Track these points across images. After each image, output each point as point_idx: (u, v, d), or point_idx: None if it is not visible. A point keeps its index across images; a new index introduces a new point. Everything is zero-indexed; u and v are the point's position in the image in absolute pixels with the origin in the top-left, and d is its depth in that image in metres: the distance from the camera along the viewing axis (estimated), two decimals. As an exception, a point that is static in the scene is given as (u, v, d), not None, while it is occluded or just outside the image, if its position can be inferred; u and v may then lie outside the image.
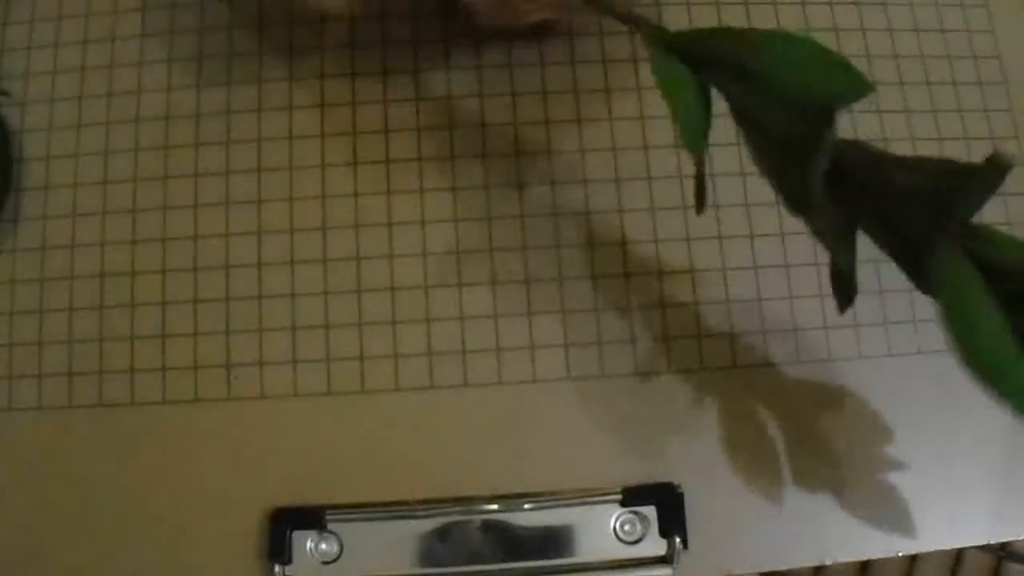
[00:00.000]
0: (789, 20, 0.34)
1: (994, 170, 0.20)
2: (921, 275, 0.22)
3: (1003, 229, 0.21)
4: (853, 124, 0.32)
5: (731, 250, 0.31)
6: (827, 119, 0.21)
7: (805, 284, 0.31)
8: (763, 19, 0.34)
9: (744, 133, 0.24)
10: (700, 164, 0.24)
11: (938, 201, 0.21)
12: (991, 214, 0.22)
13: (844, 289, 0.24)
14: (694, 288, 0.31)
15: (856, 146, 0.23)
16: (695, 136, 0.24)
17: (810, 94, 0.22)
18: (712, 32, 0.25)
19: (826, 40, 0.33)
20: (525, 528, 0.28)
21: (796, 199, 0.23)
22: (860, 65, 0.33)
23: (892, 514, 0.29)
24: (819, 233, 0.24)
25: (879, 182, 0.22)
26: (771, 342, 0.30)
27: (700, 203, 0.24)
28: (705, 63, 0.24)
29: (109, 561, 0.28)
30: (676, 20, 0.33)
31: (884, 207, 0.22)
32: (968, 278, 0.21)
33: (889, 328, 0.31)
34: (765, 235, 0.31)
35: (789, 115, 0.22)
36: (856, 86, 0.23)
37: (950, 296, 0.21)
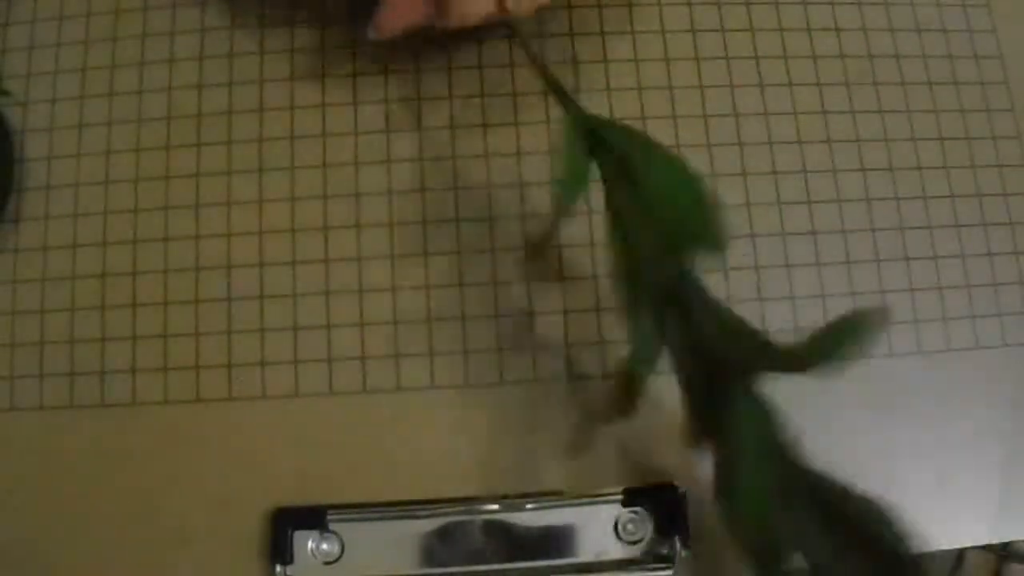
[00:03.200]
0: (791, 20, 0.34)
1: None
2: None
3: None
4: (855, 124, 0.32)
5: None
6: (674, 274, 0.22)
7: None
8: (764, 19, 0.33)
9: (609, 226, 0.25)
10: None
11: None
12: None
13: None
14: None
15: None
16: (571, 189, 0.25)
17: (668, 233, 0.23)
18: (617, 127, 0.26)
19: (828, 40, 0.34)
20: (527, 528, 0.28)
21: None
22: (862, 65, 0.33)
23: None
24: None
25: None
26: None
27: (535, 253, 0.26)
28: (602, 148, 0.25)
29: (110, 561, 0.28)
30: (677, 20, 0.33)
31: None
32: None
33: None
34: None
35: (648, 242, 0.23)
36: (711, 242, 0.23)
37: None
